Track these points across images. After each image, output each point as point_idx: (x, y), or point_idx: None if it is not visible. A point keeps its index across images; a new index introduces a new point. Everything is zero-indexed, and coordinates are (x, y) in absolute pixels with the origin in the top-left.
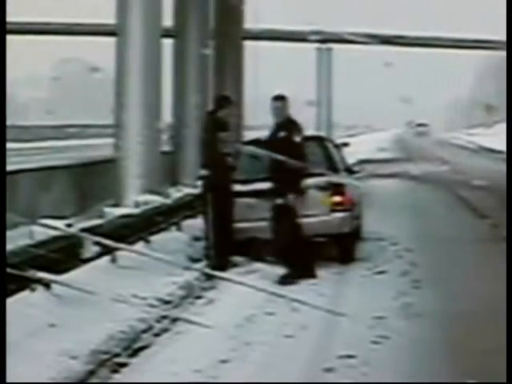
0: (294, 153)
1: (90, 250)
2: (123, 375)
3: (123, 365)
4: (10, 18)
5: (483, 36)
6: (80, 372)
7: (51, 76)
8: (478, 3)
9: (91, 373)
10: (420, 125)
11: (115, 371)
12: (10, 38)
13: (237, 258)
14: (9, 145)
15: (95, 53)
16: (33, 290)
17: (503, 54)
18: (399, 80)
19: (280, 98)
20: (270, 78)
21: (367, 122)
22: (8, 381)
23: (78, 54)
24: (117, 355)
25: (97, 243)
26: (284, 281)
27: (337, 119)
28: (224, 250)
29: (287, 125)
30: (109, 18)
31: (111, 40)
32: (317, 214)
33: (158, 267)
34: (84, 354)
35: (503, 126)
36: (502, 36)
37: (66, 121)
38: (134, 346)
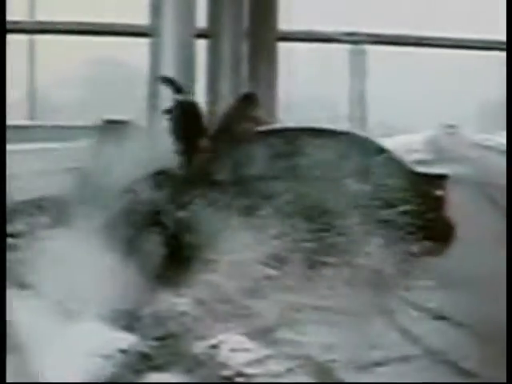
0: None
1: None
2: None
3: None
4: (38, 17)
5: None
6: None
7: (84, 76)
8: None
9: None
10: (449, 126)
11: None
12: (39, 38)
13: None
14: (42, 145)
15: (128, 53)
16: None
17: None
18: (431, 82)
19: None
20: (304, 79)
21: (400, 124)
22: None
23: (110, 54)
24: None
25: None
26: None
27: (370, 121)
28: None
29: None
30: (142, 19)
31: (143, 41)
32: None
33: None
34: None
35: None
36: None
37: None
38: None
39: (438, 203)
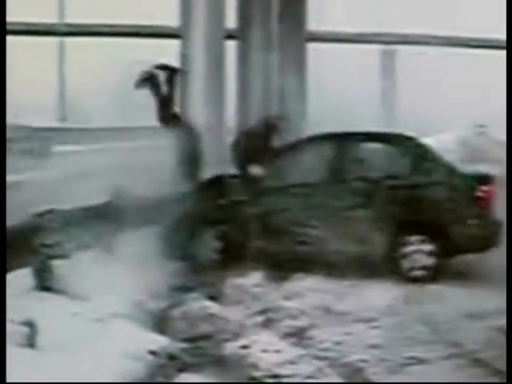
0: None
1: None
2: None
3: None
4: (68, 19)
5: None
6: None
7: (113, 77)
8: None
9: None
10: (479, 126)
11: None
12: (69, 40)
13: None
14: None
15: (158, 55)
16: None
17: None
18: (461, 81)
19: None
20: (334, 80)
21: (431, 124)
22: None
23: (140, 56)
24: None
25: None
26: None
27: (402, 122)
28: None
29: None
30: (172, 21)
31: (174, 42)
32: None
33: None
34: None
35: None
36: None
37: (135, 123)
38: None
39: (484, 202)
